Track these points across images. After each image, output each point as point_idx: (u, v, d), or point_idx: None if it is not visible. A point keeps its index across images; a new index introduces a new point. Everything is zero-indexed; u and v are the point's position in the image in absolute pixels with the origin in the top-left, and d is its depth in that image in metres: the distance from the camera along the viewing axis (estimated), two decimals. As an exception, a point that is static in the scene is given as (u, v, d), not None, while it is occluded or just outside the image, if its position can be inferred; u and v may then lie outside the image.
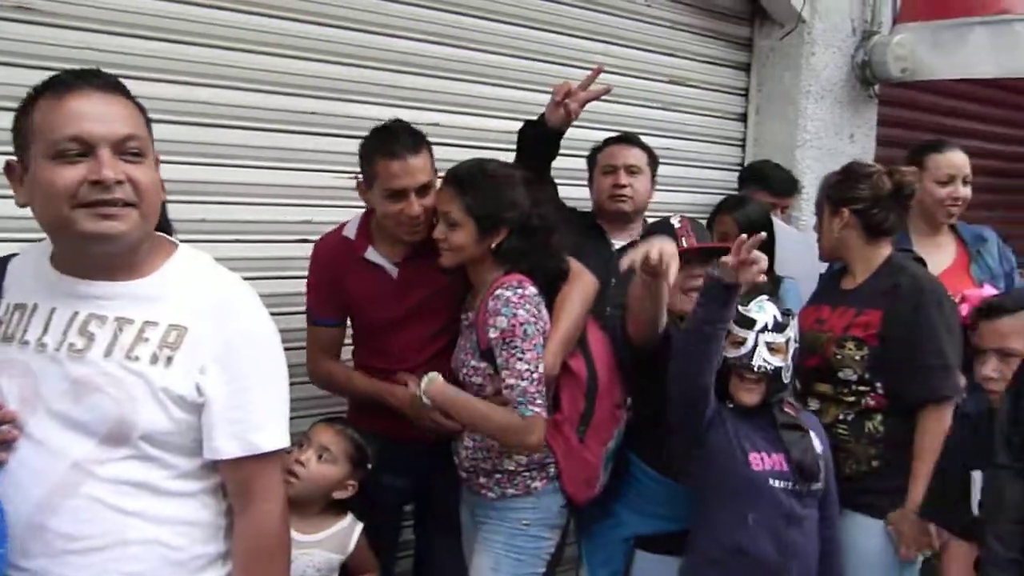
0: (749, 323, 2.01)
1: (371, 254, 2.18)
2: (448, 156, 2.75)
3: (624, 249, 2.67)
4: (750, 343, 2.00)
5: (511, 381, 1.92)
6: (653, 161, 2.76)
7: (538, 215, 2.04)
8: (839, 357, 2.27)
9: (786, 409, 2.11)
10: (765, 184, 3.34)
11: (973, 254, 2.81)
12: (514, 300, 1.95)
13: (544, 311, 2.02)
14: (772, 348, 2.00)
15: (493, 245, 2.01)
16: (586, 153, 2.83)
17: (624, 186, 2.67)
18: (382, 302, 2.17)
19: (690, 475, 2.10)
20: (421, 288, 2.16)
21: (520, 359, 1.91)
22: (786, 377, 2.05)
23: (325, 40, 2.57)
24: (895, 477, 2.19)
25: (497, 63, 2.95)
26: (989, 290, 2.68)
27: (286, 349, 1.44)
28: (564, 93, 2.31)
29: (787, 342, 2.03)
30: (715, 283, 1.89)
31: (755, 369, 1.99)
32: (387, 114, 2.61)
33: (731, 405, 2.07)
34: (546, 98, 2.40)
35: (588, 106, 3.14)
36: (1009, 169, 5.39)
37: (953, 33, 3.63)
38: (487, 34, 2.92)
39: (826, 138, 3.67)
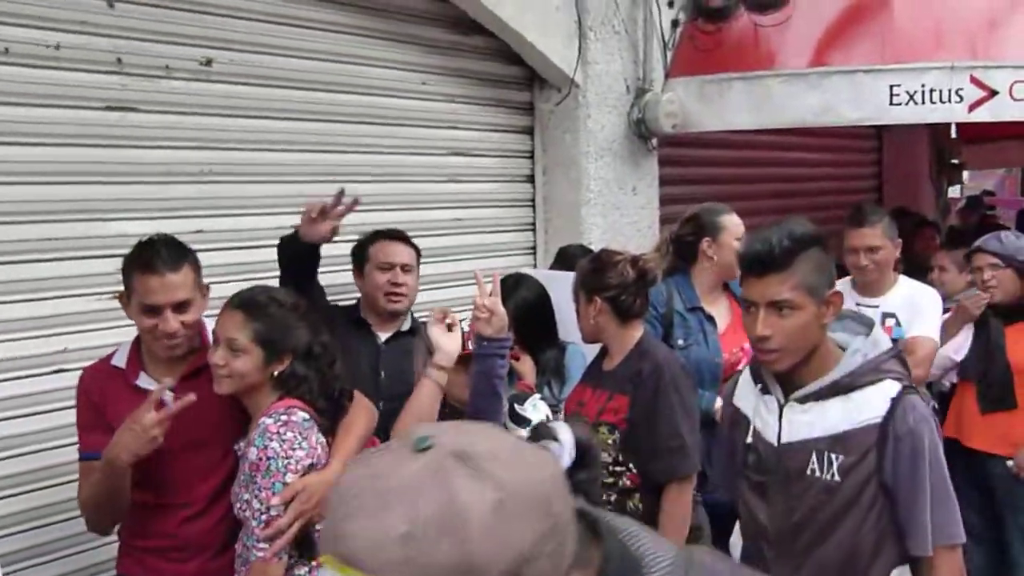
0: (523, 421, 2.13)
1: (143, 380, 2.10)
2: (220, 260, 2.78)
3: (390, 342, 2.76)
4: None
5: (243, 517, 1.90)
6: (419, 256, 2.86)
7: (320, 343, 2.04)
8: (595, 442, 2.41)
9: None
10: (569, 266, 3.43)
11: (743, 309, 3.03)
12: (271, 430, 1.89)
13: (313, 437, 1.97)
14: None
15: (275, 373, 1.99)
16: (356, 236, 2.86)
17: (401, 284, 2.73)
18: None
19: None
20: (200, 413, 2.08)
21: (256, 496, 1.86)
22: None
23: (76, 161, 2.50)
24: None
25: (271, 160, 2.94)
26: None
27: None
28: (319, 211, 2.34)
29: None
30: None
31: None
32: (149, 228, 2.60)
33: None
34: (330, 188, 2.45)
35: (378, 188, 3.25)
36: (790, 192, 5.95)
37: (716, 88, 3.91)
38: (257, 133, 2.89)
39: (609, 194, 3.86)
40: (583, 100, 3.74)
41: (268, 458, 1.87)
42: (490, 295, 2.13)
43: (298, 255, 2.44)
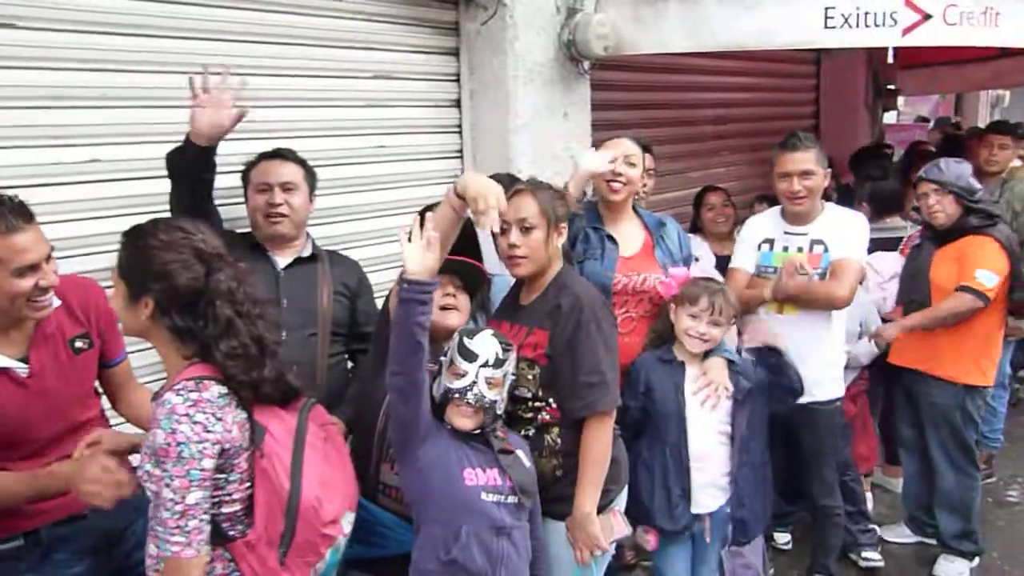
0: (471, 356, 2.13)
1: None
2: (113, 192, 2.60)
3: (290, 267, 2.64)
4: (470, 376, 2.11)
5: (151, 509, 1.70)
6: (310, 175, 2.71)
7: (219, 293, 1.77)
8: (514, 377, 2.35)
9: (499, 434, 2.22)
10: None
11: (656, 239, 3.00)
12: (179, 412, 1.67)
13: (229, 416, 1.73)
14: (490, 383, 2.14)
15: (143, 318, 1.81)
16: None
17: (279, 204, 2.60)
18: (15, 412, 1.95)
19: (408, 489, 2.16)
20: (62, 379, 2.01)
21: (167, 485, 1.65)
22: (499, 408, 2.18)
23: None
24: (574, 484, 2.33)
25: (174, 83, 2.69)
26: (695, 271, 2.94)
27: None
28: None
29: (504, 376, 2.17)
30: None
31: (472, 402, 2.11)
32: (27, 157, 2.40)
33: (450, 427, 2.15)
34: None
35: (293, 113, 3.06)
36: (728, 118, 5.90)
37: (651, 9, 3.76)
38: (158, 53, 2.66)
39: (539, 120, 3.72)
40: (511, 20, 3.55)
41: (178, 443, 1.65)
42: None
43: (188, 163, 2.31)
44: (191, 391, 1.71)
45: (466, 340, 2.14)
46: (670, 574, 2.83)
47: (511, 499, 2.14)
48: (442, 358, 2.18)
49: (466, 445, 2.15)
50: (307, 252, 2.72)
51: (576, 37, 3.72)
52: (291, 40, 3.05)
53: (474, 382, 2.11)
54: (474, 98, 3.71)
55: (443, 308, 2.33)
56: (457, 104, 3.71)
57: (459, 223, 2.25)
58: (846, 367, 3.48)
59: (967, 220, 3.51)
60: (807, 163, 3.13)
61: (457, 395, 2.11)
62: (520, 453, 2.23)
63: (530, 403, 2.35)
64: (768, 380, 2.83)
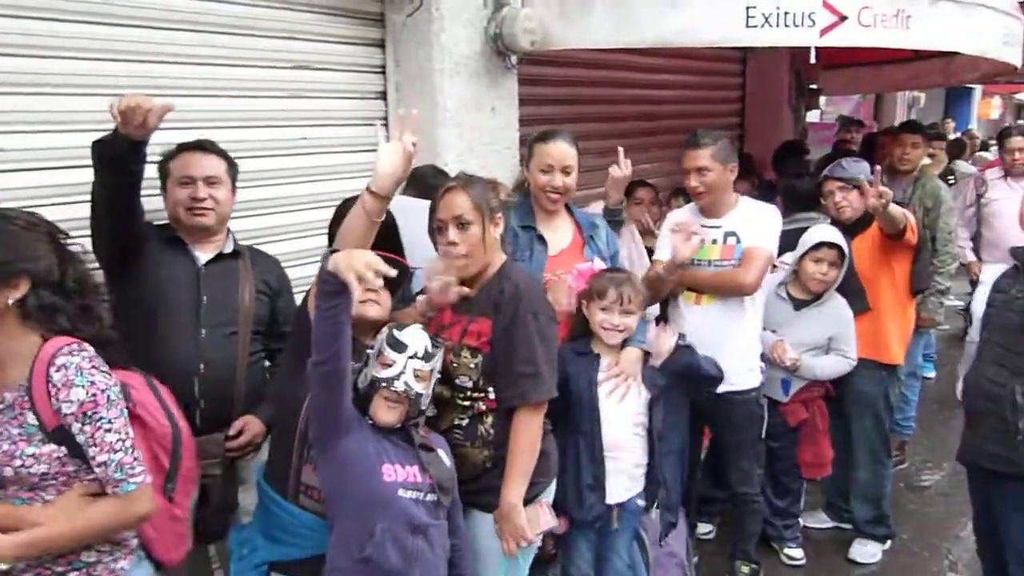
0: (401, 347, 2.12)
1: None
2: (22, 183, 2.49)
3: (211, 263, 2.58)
4: (399, 366, 2.11)
5: (103, 457, 1.78)
6: (233, 168, 2.65)
7: (76, 273, 1.86)
8: (455, 365, 2.36)
9: (421, 432, 2.22)
10: (422, 188, 3.27)
11: (587, 238, 3.02)
12: (85, 366, 1.77)
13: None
14: (418, 375, 2.13)
15: (10, 301, 1.76)
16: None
17: (204, 199, 2.53)
18: None
19: (325, 483, 2.13)
20: None
21: (108, 430, 1.78)
22: (424, 403, 2.17)
23: None
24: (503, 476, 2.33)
25: (83, 70, 2.60)
26: (599, 264, 2.93)
27: None
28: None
29: (431, 371, 2.17)
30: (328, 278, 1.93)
31: (399, 391, 2.10)
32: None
33: (371, 422, 2.13)
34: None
35: (211, 103, 2.97)
36: (656, 115, 5.97)
37: (578, 4, 3.77)
38: (66, 39, 2.55)
39: (466, 113, 3.70)
40: (437, 13, 3.53)
41: (102, 390, 1.79)
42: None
43: (118, 155, 2.23)
44: (80, 351, 1.80)
45: (396, 332, 2.14)
46: (575, 561, 2.85)
47: (429, 497, 2.13)
48: (369, 350, 2.17)
49: (386, 440, 2.14)
50: (229, 248, 2.64)
51: (503, 31, 3.71)
52: (207, 28, 2.96)
53: (402, 372, 2.10)
54: (400, 90, 3.67)
55: (363, 301, 2.31)
56: (383, 96, 3.67)
57: (373, 226, 2.21)
58: (796, 373, 3.56)
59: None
60: (702, 160, 3.23)
61: (384, 383, 2.10)
62: (441, 452, 2.23)
63: (470, 392, 2.36)
64: (686, 372, 2.87)
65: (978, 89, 15.47)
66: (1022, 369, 2.58)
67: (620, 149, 3.26)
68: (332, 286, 1.93)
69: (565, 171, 2.94)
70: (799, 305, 3.59)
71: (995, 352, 2.69)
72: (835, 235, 3.57)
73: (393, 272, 1.91)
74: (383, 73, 3.65)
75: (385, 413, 2.12)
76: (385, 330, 2.18)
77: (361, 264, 1.87)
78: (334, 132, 3.47)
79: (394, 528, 2.07)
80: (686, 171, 3.28)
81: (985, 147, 11.88)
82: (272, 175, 3.24)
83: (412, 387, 2.11)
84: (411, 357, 2.12)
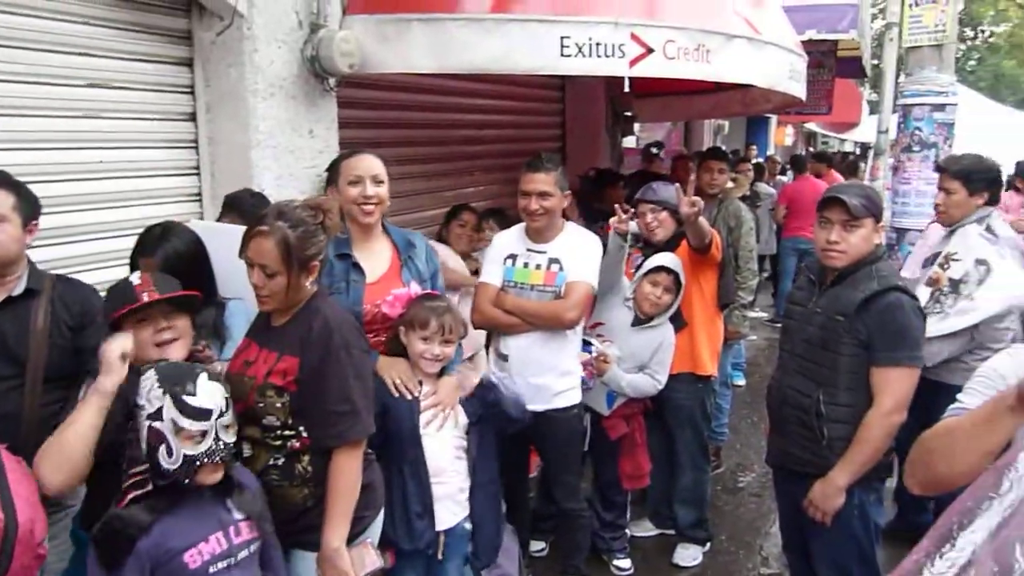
0: (204, 415, 1.94)
1: None
2: None
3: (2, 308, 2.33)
4: (210, 435, 1.94)
5: None
6: (26, 202, 2.36)
7: None
8: (262, 405, 2.24)
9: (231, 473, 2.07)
10: (241, 213, 3.10)
11: (404, 259, 2.96)
12: None
13: None
14: (228, 428, 1.99)
15: None
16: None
17: None
18: None
19: None
20: None
21: None
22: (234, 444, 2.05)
23: None
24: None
25: None
26: (416, 288, 2.88)
27: None
28: None
29: (232, 411, 2.03)
30: None
31: (224, 459, 1.97)
32: None
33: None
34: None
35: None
36: (479, 139, 6.06)
37: (395, 28, 3.75)
38: None
39: (283, 136, 3.59)
40: (249, 32, 3.40)
41: None
42: None
43: None
44: None
45: (189, 399, 1.92)
46: None
47: (243, 553, 2.03)
48: (157, 423, 1.91)
49: (188, 518, 1.96)
50: (19, 289, 2.37)
51: (320, 53, 3.63)
52: (-10, 40, 2.71)
53: (216, 438, 1.95)
54: (211, 111, 3.50)
55: (160, 344, 2.16)
56: (192, 117, 3.48)
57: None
58: (602, 379, 3.64)
59: (681, 230, 3.84)
60: (546, 184, 3.26)
61: (207, 459, 1.93)
62: (248, 492, 2.10)
63: (279, 431, 2.24)
64: (490, 412, 2.87)
65: (774, 118, 16.85)
66: (825, 379, 2.75)
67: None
68: None
69: (375, 180, 2.82)
70: (635, 322, 3.72)
71: (798, 363, 2.86)
72: (674, 262, 3.68)
73: None
74: (192, 93, 3.47)
75: (211, 476, 1.98)
76: (167, 400, 1.91)
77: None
78: (137, 155, 3.25)
79: None
80: (525, 193, 3.27)
81: (784, 171, 12.93)
82: (70, 200, 2.99)
83: (229, 443, 1.99)
84: (219, 417, 1.96)
